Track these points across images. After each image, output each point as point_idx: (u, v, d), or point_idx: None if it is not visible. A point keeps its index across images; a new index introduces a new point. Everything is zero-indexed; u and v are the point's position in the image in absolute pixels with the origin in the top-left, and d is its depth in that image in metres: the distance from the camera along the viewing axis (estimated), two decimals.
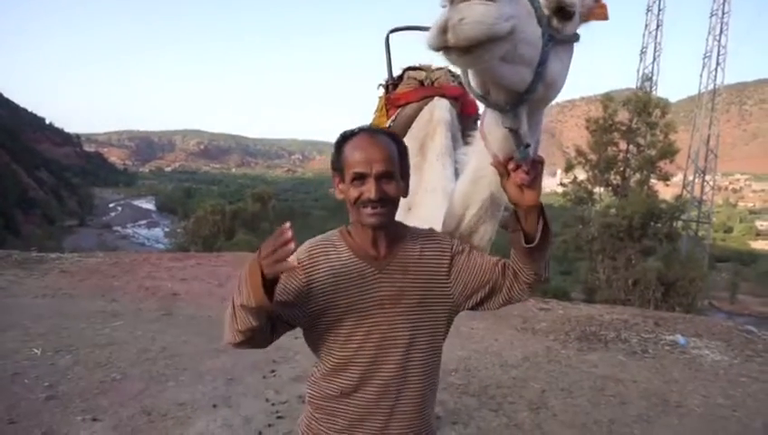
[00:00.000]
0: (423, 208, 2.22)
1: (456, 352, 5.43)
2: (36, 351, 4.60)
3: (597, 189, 16.94)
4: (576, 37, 1.18)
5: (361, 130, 1.44)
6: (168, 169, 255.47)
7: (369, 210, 1.35)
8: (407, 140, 2.48)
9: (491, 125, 1.30)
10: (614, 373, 5.35)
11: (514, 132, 1.19)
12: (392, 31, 2.64)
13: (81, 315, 5.70)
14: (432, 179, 2.20)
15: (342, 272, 1.39)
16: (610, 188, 16.78)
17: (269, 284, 1.18)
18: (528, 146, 1.21)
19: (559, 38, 1.12)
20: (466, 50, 0.96)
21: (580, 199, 16.74)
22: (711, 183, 27.70)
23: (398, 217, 2.41)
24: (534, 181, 1.26)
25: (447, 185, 2.10)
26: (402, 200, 2.42)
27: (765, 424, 4.37)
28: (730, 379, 5.46)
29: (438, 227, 2.11)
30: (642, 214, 14.34)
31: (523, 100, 1.13)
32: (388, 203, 1.37)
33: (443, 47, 0.97)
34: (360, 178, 1.35)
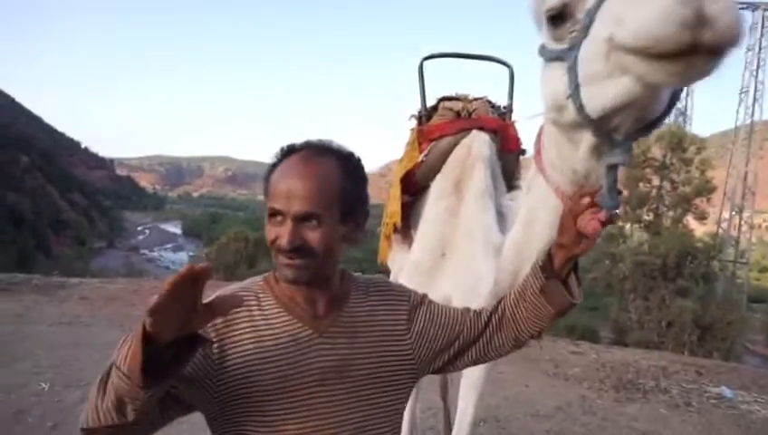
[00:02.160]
0: (459, 255, 1.98)
1: (486, 400, 5.08)
2: (44, 385, 4.42)
3: (628, 226, 16.47)
4: None
5: (304, 146, 1.11)
6: (196, 194, 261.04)
7: (283, 259, 1.04)
8: (440, 178, 2.27)
9: (564, 158, 1.07)
10: (657, 429, 4.96)
11: (613, 171, 0.96)
12: (426, 58, 2.46)
13: (96, 345, 5.53)
14: (470, 223, 1.97)
15: (269, 336, 1.07)
16: (642, 224, 16.29)
17: (162, 352, 0.84)
18: (621, 193, 1.00)
19: None
20: (719, 53, 0.71)
21: (610, 236, 16.24)
22: (749, 221, 26.80)
23: (429, 263, 2.18)
24: (600, 233, 1.04)
25: (488, 229, 1.87)
26: (434, 244, 2.19)
27: None
28: None
29: (477, 277, 1.87)
30: (677, 252, 13.80)
31: (646, 130, 0.92)
32: (309, 254, 1.04)
33: (690, 46, 0.70)
34: (277, 215, 1.05)
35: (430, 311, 1.22)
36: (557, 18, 0.94)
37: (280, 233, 1.03)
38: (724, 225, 25.69)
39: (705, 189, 15.23)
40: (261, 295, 1.12)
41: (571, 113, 0.93)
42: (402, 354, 1.16)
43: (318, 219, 1.04)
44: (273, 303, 1.11)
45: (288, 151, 1.11)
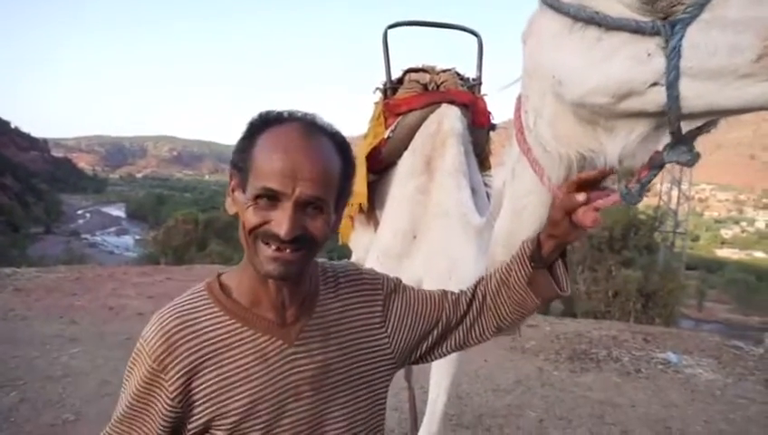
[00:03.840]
0: (432, 236, 1.87)
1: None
2: None
3: None
4: None
5: (294, 117, 0.93)
6: (140, 175, 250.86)
7: (271, 251, 0.88)
8: (409, 156, 2.14)
9: (569, 140, 0.95)
10: (611, 397, 5.13)
11: (659, 169, 0.86)
12: (390, 27, 2.30)
13: (33, 341, 5.17)
14: (443, 201, 1.85)
15: (230, 358, 0.93)
16: None
17: None
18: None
19: None
20: None
21: None
22: (686, 194, 28.17)
23: (400, 247, 2.05)
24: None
25: (465, 209, 1.75)
26: (405, 226, 2.07)
27: None
28: (728, 400, 5.30)
29: (452, 259, 1.77)
30: (623, 225, 14.34)
31: (707, 129, 0.83)
32: (305, 245, 0.89)
33: None
34: (270, 197, 0.87)
35: (406, 297, 1.11)
36: None
37: (273, 218, 0.86)
38: (665, 197, 26.95)
39: None
40: (208, 312, 0.96)
41: (648, 103, 0.78)
42: (380, 349, 1.06)
43: (322, 206, 0.90)
44: (227, 319, 0.95)
45: (274, 120, 0.92)
